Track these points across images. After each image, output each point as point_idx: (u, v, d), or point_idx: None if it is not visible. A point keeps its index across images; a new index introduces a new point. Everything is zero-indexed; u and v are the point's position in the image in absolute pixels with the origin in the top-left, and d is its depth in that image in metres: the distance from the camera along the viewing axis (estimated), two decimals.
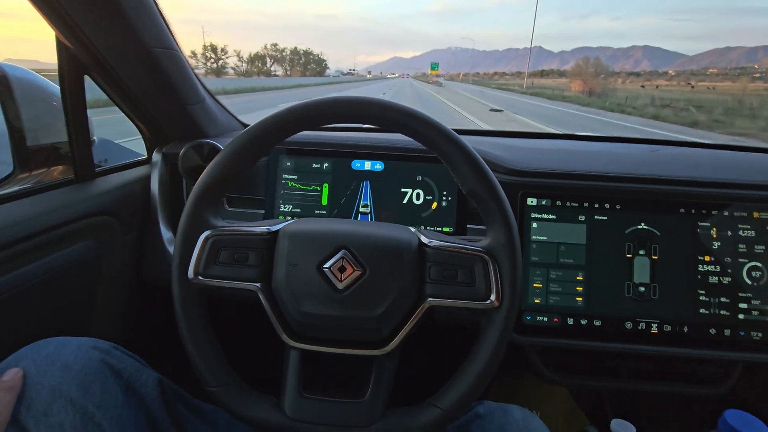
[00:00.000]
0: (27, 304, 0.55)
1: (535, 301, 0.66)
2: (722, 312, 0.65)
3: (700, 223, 0.66)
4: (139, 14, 0.60)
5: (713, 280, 0.65)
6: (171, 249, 0.74)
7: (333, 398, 0.44)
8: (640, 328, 0.65)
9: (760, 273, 0.65)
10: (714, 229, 0.66)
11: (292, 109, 0.45)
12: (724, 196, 0.66)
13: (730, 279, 0.65)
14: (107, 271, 0.69)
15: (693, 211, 0.66)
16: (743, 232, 0.65)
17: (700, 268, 0.65)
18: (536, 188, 0.68)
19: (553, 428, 0.91)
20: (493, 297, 0.43)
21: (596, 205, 0.67)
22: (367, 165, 0.74)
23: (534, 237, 0.67)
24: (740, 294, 0.65)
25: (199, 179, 0.45)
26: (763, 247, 0.65)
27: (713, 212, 0.66)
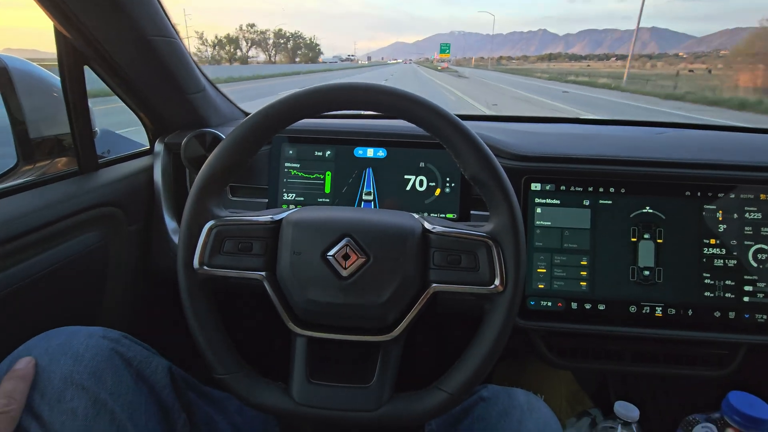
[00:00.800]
0: (36, 295, 0.56)
1: (539, 286, 0.67)
2: (727, 295, 0.65)
3: (705, 206, 0.65)
4: (137, 2, 0.59)
5: (718, 263, 0.65)
6: (176, 239, 0.74)
7: (340, 384, 0.45)
8: (644, 311, 0.65)
9: (766, 255, 0.64)
10: (720, 211, 0.65)
11: (293, 97, 0.45)
12: (730, 178, 0.65)
13: (735, 262, 0.65)
14: (114, 261, 0.70)
15: (699, 193, 0.66)
16: (749, 215, 0.65)
17: (705, 251, 0.65)
18: (540, 173, 0.67)
19: (557, 411, 0.92)
20: (497, 282, 0.43)
21: (601, 189, 0.67)
22: (370, 152, 0.74)
23: (538, 222, 0.67)
24: (745, 277, 0.65)
25: (202, 170, 0.45)
26: None
27: (719, 195, 0.65)
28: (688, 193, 0.66)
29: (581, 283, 0.66)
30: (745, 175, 0.65)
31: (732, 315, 0.64)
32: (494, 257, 0.44)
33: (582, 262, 0.66)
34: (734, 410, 0.55)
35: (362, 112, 0.87)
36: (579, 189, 0.67)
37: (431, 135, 0.45)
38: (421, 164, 0.73)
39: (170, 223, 0.76)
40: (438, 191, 0.72)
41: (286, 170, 0.75)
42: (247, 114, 0.96)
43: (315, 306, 0.44)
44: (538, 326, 0.67)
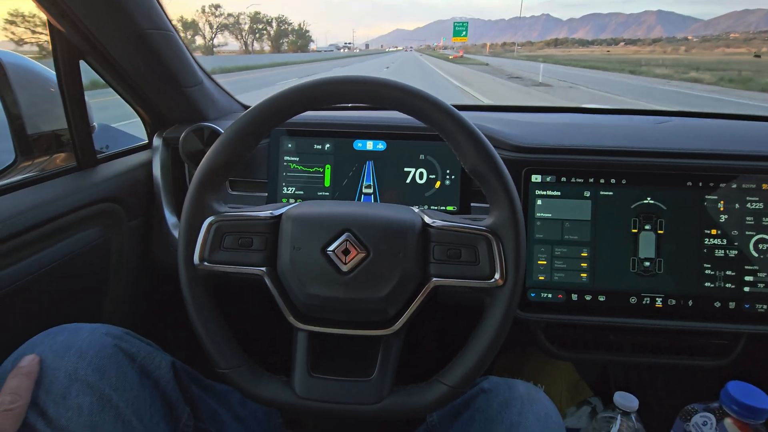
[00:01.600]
0: (39, 292, 0.56)
1: (539, 278, 0.67)
2: (727, 285, 0.65)
3: (707, 196, 0.65)
4: None
5: (719, 253, 0.65)
6: (176, 234, 0.74)
7: (341, 377, 0.45)
8: (644, 302, 0.65)
9: (766, 245, 0.64)
10: (722, 201, 0.65)
11: (291, 90, 0.44)
12: (732, 168, 0.65)
13: (736, 252, 0.65)
14: (115, 257, 0.70)
15: (700, 183, 0.65)
16: (751, 205, 0.65)
17: (706, 242, 0.65)
18: (541, 165, 0.67)
19: (558, 401, 0.93)
20: (497, 276, 0.43)
21: (602, 181, 0.66)
22: (369, 145, 0.73)
23: (538, 214, 0.67)
24: (746, 267, 0.65)
25: (200, 165, 0.45)
26: None
27: (721, 185, 0.65)
28: (689, 183, 0.65)
29: (582, 275, 0.66)
30: (747, 165, 0.65)
31: (732, 305, 0.65)
32: (494, 251, 0.44)
33: (582, 254, 0.66)
34: (733, 400, 0.55)
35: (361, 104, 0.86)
36: (580, 180, 0.67)
37: (429, 127, 0.45)
38: (421, 156, 0.72)
39: (170, 218, 0.76)
40: (438, 184, 0.72)
41: (285, 164, 0.74)
42: (245, 107, 0.95)
43: (315, 301, 0.44)
44: (538, 318, 0.67)
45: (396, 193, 0.73)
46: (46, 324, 0.46)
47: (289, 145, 0.74)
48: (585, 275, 0.66)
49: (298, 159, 0.74)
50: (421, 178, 0.72)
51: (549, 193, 0.67)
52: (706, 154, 0.65)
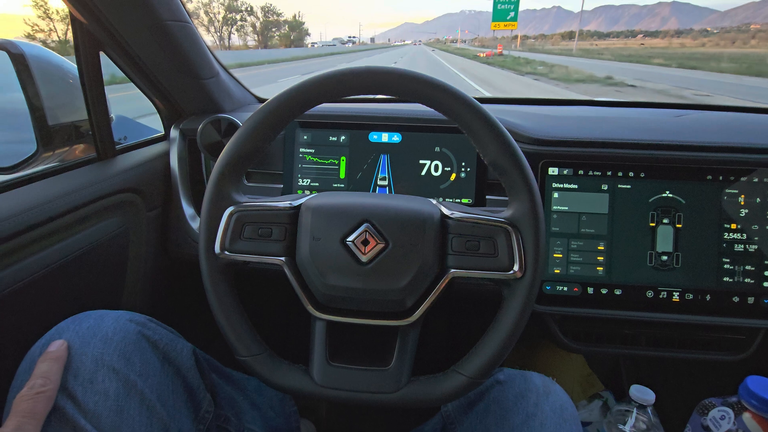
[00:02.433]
0: (63, 280, 0.58)
1: (555, 271, 0.66)
2: (747, 280, 0.64)
3: (727, 190, 0.64)
4: None
5: (739, 248, 0.64)
6: (193, 225, 0.75)
7: (360, 366, 0.45)
8: (661, 296, 0.65)
9: None
10: (742, 195, 0.64)
11: (310, 82, 0.44)
12: (753, 161, 0.64)
13: (756, 247, 0.64)
14: (134, 247, 0.71)
15: (721, 177, 0.64)
16: None
17: (725, 236, 0.64)
18: (558, 157, 0.67)
19: (569, 394, 0.93)
20: (516, 268, 0.43)
21: (620, 174, 0.66)
22: (385, 137, 0.73)
23: (555, 207, 0.66)
24: (766, 262, 0.64)
25: (221, 156, 0.46)
26: None
27: (742, 178, 0.64)
28: (709, 177, 0.65)
29: (598, 268, 0.66)
30: None
31: (751, 300, 0.64)
32: (513, 243, 0.44)
33: (599, 247, 0.66)
34: (752, 394, 0.55)
35: (376, 96, 0.86)
36: (597, 173, 0.66)
37: (450, 119, 0.45)
38: (437, 149, 0.72)
39: (188, 209, 0.76)
40: (453, 176, 0.72)
41: (300, 156, 0.75)
42: (260, 99, 0.96)
43: (334, 291, 0.44)
44: (553, 311, 0.67)
45: (411, 185, 0.73)
46: (71, 311, 0.47)
47: (305, 137, 0.75)
48: (601, 269, 0.66)
49: (313, 151, 0.75)
50: (436, 170, 0.72)
51: (566, 186, 0.66)
52: (726, 148, 0.64)
